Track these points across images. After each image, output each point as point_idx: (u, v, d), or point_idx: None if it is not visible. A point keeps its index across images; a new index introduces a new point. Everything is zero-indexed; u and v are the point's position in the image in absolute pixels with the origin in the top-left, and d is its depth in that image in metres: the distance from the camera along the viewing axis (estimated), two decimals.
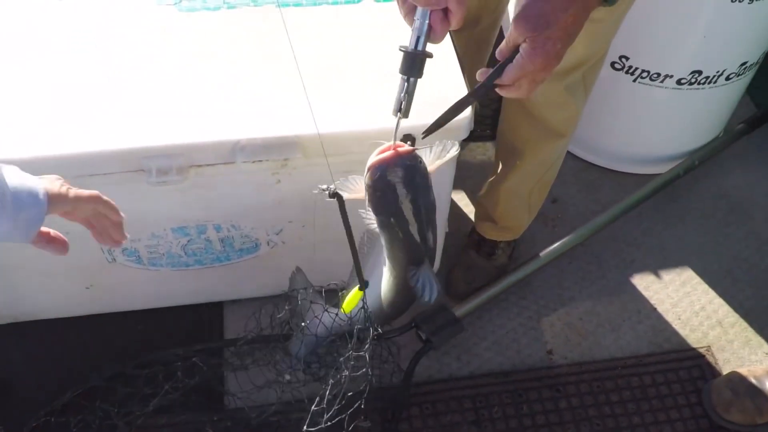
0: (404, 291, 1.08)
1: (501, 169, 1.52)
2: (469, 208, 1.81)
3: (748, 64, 1.67)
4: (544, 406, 1.50)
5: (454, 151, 0.98)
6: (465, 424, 1.46)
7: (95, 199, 0.94)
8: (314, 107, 1.21)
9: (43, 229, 0.92)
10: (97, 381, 1.37)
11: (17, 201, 0.81)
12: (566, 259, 1.72)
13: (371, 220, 1.00)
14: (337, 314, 1.20)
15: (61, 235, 0.95)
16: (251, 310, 1.38)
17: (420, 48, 0.92)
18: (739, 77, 1.70)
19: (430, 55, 0.94)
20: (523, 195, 1.55)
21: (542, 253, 1.62)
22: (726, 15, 1.52)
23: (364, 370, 1.13)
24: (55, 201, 0.87)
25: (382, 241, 1.04)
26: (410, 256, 1.03)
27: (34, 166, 1.13)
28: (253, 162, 1.20)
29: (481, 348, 1.57)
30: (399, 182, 0.93)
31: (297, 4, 1.38)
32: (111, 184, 1.18)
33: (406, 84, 0.93)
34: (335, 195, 0.99)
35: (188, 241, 1.37)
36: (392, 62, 1.26)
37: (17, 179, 0.83)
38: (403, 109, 0.94)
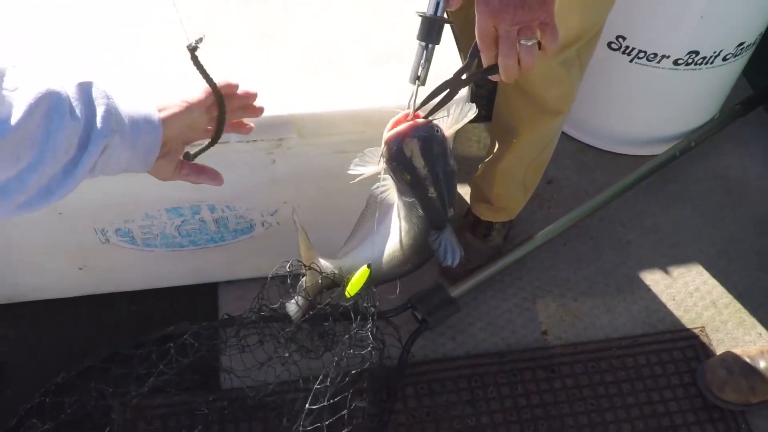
0: (417, 255, 1.10)
1: (497, 149, 1.52)
2: (464, 190, 1.80)
3: (745, 45, 1.67)
4: (539, 386, 1.50)
5: (472, 113, 0.99)
6: (460, 404, 1.47)
7: (207, 99, 0.92)
8: (308, 88, 1.20)
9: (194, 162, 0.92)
10: (91, 362, 1.37)
11: (134, 127, 0.79)
12: (561, 240, 1.72)
13: (387, 188, 1.02)
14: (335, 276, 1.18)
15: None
16: (246, 291, 1.38)
17: (439, 13, 0.91)
18: (736, 58, 1.70)
19: (450, 21, 0.93)
20: (518, 175, 1.55)
21: (537, 234, 1.62)
22: None
23: (367, 349, 1.13)
24: (169, 121, 0.85)
25: (400, 209, 1.05)
26: (432, 222, 1.04)
27: None
28: (248, 142, 1.19)
29: (476, 328, 1.58)
30: (418, 154, 0.94)
31: None
32: None
33: (425, 51, 0.92)
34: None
35: (182, 221, 1.36)
36: (386, 44, 1.26)
37: (131, 105, 0.80)
38: (421, 77, 0.93)
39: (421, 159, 0.94)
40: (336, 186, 1.31)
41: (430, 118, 0.97)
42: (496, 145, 1.52)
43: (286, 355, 1.26)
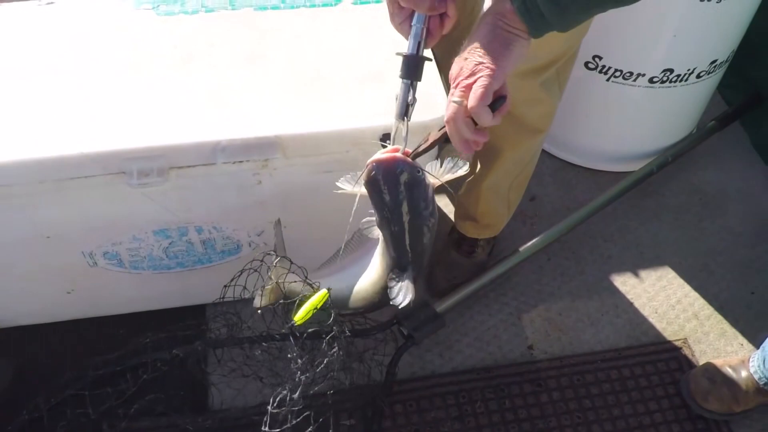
0: (381, 291, 1.11)
1: (480, 168, 1.54)
2: (448, 208, 1.83)
3: (718, 62, 1.71)
4: (526, 400, 1.52)
5: (463, 171, 1.01)
6: (448, 420, 1.48)
7: None
8: (293, 108, 1.22)
9: None
10: (79, 385, 1.37)
11: None
12: (544, 256, 1.75)
13: (374, 223, 1.05)
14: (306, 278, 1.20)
15: None
16: (233, 312, 1.39)
17: (421, 52, 0.95)
18: (710, 75, 1.74)
19: (430, 59, 0.98)
20: (502, 192, 1.58)
21: (521, 249, 1.64)
22: (695, 14, 1.56)
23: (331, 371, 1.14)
24: None
25: (380, 244, 1.07)
26: (395, 259, 1.05)
27: (14, 170, 1.14)
28: (234, 163, 1.21)
29: (462, 344, 1.59)
30: (392, 187, 0.97)
31: (275, 7, 1.39)
32: (92, 187, 1.19)
33: (411, 89, 0.96)
34: None
35: (170, 243, 1.37)
36: (370, 63, 1.29)
37: None
38: (409, 113, 0.97)
39: (394, 192, 0.97)
40: (323, 205, 1.33)
41: (419, 158, 1.00)
42: (480, 164, 1.55)
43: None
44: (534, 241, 1.65)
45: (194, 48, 1.31)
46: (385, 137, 1.15)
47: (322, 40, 1.34)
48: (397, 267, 1.06)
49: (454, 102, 0.89)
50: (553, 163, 1.99)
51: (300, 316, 1.09)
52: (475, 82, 0.87)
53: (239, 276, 1.26)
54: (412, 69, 0.97)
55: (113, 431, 1.36)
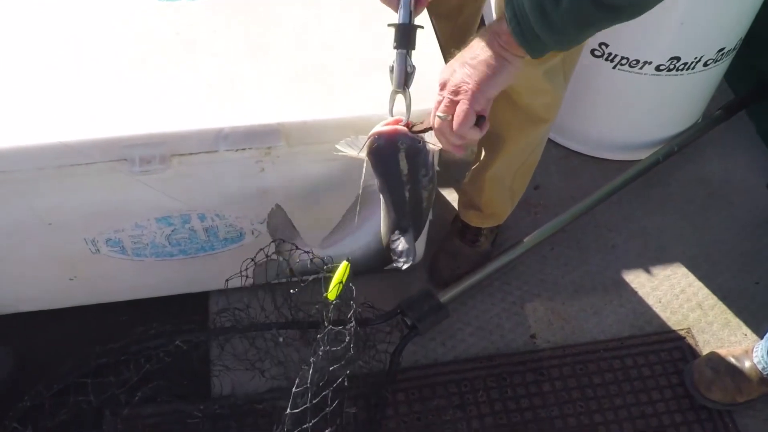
0: (382, 251, 1.16)
1: (484, 157, 1.54)
2: (451, 196, 1.82)
3: (725, 50, 1.70)
4: (528, 389, 1.52)
5: None
6: (450, 408, 1.48)
7: None
8: (296, 96, 1.22)
9: None
10: (81, 372, 1.37)
11: None
12: (548, 245, 1.74)
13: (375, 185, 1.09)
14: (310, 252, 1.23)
15: None
16: (236, 300, 1.39)
17: (413, 21, 0.99)
18: (717, 63, 1.73)
19: (422, 27, 1.01)
20: (506, 181, 1.57)
21: (525, 239, 1.64)
22: (703, 1, 1.54)
23: (345, 346, 1.14)
24: None
25: (382, 204, 1.11)
26: (396, 222, 1.10)
27: (15, 156, 1.13)
28: (236, 150, 1.20)
29: (465, 333, 1.59)
30: (396, 157, 1.03)
31: None
32: (94, 174, 1.18)
33: (407, 57, 1.00)
34: None
35: (172, 230, 1.37)
36: (374, 51, 1.28)
37: None
38: (408, 82, 1.02)
39: (395, 163, 1.03)
40: (325, 193, 1.33)
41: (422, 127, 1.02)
42: (484, 152, 1.54)
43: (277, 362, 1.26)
44: (538, 231, 1.65)
45: (197, 35, 1.30)
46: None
47: (325, 27, 1.33)
48: (398, 229, 1.11)
49: (439, 116, 0.96)
50: (558, 151, 1.98)
51: (331, 290, 1.10)
52: (459, 102, 0.93)
53: (250, 264, 1.26)
54: (405, 38, 1.00)
55: (116, 418, 1.36)
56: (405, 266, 1.10)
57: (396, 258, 1.10)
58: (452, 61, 0.95)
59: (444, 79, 0.95)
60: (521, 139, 1.46)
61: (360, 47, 1.29)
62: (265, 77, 1.24)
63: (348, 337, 1.13)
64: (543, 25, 0.82)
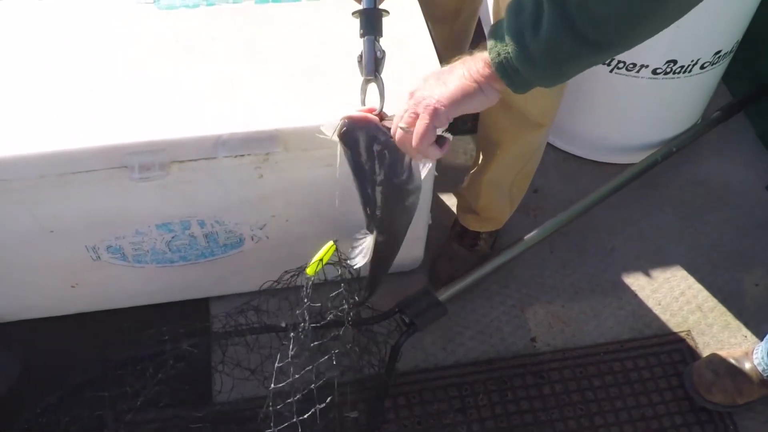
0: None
1: (482, 161, 1.54)
2: (451, 201, 1.83)
3: (722, 53, 1.70)
4: (529, 392, 1.52)
5: (426, 169, 1.01)
6: (451, 412, 1.48)
7: None
8: (294, 101, 1.22)
9: None
10: (83, 379, 1.37)
11: None
12: (547, 248, 1.75)
13: None
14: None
15: None
16: (237, 305, 1.40)
17: (377, 4, 0.97)
18: (714, 66, 1.73)
19: (388, 12, 1.00)
20: (504, 186, 1.57)
21: (526, 237, 1.62)
22: (699, 5, 1.54)
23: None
24: None
25: None
26: (366, 221, 1.08)
27: (16, 165, 1.15)
28: (235, 157, 1.21)
29: (465, 337, 1.60)
30: (357, 144, 0.98)
31: (276, 1, 1.39)
32: (94, 182, 1.20)
33: (376, 42, 0.97)
34: None
35: (172, 237, 1.37)
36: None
37: None
38: (380, 69, 0.99)
39: (361, 151, 0.98)
40: (324, 198, 1.33)
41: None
42: (482, 157, 1.54)
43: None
44: (537, 230, 1.64)
45: (195, 42, 1.31)
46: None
47: (323, 33, 1.34)
48: (366, 227, 1.08)
49: (401, 128, 0.91)
50: (556, 155, 1.98)
51: (311, 266, 1.11)
52: (420, 116, 0.88)
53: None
54: (371, 23, 0.98)
55: (118, 424, 1.37)
56: (355, 266, 1.08)
57: (350, 257, 1.07)
58: (430, 74, 0.92)
59: (414, 89, 0.92)
60: (517, 143, 1.46)
61: (358, 50, 1.30)
62: (263, 83, 1.25)
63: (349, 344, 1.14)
64: (522, 58, 0.78)
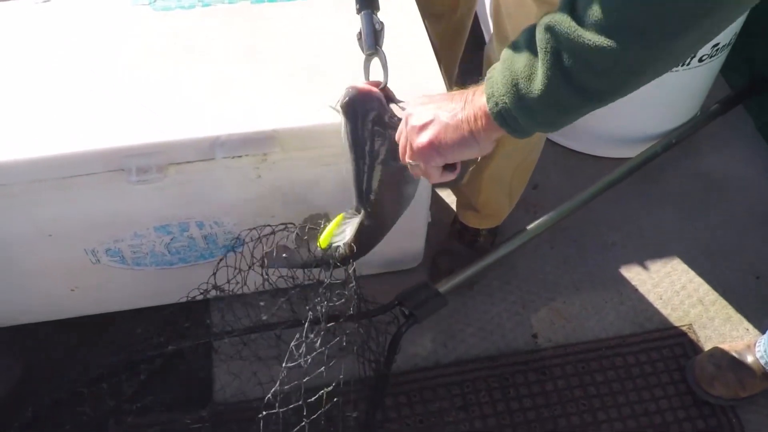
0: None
1: (481, 157, 1.53)
2: (450, 198, 1.82)
3: (720, 46, 1.70)
4: (531, 389, 1.52)
5: None
6: (453, 410, 1.48)
7: None
8: (292, 101, 1.22)
9: None
10: (84, 381, 1.37)
11: None
12: (547, 244, 1.74)
13: None
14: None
15: None
16: (237, 306, 1.39)
17: None
18: (712, 59, 1.73)
19: None
20: (504, 181, 1.57)
21: (528, 228, 1.60)
22: None
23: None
24: None
25: None
26: (357, 197, 1.06)
27: (14, 169, 1.14)
28: (233, 158, 1.21)
29: (466, 334, 1.59)
30: (357, 115, 0.98)
31: (271, 0, 1.38)
32: (92, 185, 1.19)
33: (372, 17, 0.98)
34: None
35: (171, 239, 1.37)
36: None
37: None
38: (380, 41, 0.99)
39: (359, 123, 0.98)
40: (323, 198, 1.33)
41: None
42: None
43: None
44: (537, 222, 1.60)
45: (191, 43, 1.31)
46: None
47: (319, 32, 1.33)
48: (355, 207, 1.08)
49: (411, 164, 0.91)
50: (555, 150, 1.98)
51: (323, 239, 1.11)
52: (417, 153, 0.88)
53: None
54: None
55: (120, 427, 1.37)
56: (337, 252, 1.09)
57: (336, 239, 1.07)
58: (428, 98, 0.89)
59: (410, 111, 0.89)
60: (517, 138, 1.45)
61: (355, 51, 1.29)
62: (260, 84, 1.25)
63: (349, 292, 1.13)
64: (520, 108, 0.75)
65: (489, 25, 1.49)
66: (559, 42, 0.68)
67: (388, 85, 1.02)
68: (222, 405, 1.43)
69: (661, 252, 1.76)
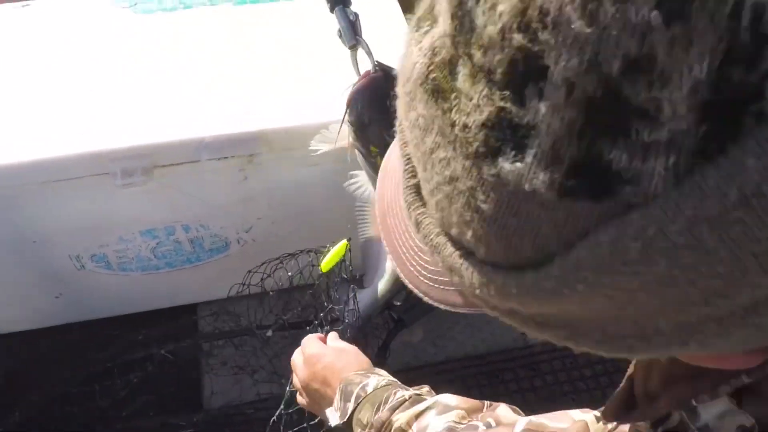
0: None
1: None
2: None
3: None
4: (520, 385, 1.53)
5: None
6: None
7: None
8: (277, 102, 1.22)
9: None
10: (71, 387, 1.36)
11: None
12: None
13: (359, 184, 1.08)
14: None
15: None
16: (225, 310, 1.39)
17: None
18: None
19: None
20: None
21: None
22: None
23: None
24: None
25: None
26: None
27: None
28: (219, 159, 1.20)
29: (455, 332, 1.60)
30: (368, 102, 0.99)
31: (254, 1, 1.38)
32: (76, 189, 1.18)
33: (346, 9, 1.01)
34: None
35: (157, 243, 1.36)
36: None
37: None
38: (358, 30, 1.01)
39: (372, 109, 0.98)
40: (310, 199, 1.33)
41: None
42: None
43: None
44: None
45: (174, 45, 1.30)
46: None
47: (304, 32, 1.33)
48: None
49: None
50: None
51: (326, 263, 1.11)
52: None
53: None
54: None
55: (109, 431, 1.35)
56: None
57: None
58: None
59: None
60: None
61: (340, 51, 1.29)
62: (245, 84, 1.24)
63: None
64: None
65: None
66: None
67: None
68: (212, 409, 1.42)
69: None
